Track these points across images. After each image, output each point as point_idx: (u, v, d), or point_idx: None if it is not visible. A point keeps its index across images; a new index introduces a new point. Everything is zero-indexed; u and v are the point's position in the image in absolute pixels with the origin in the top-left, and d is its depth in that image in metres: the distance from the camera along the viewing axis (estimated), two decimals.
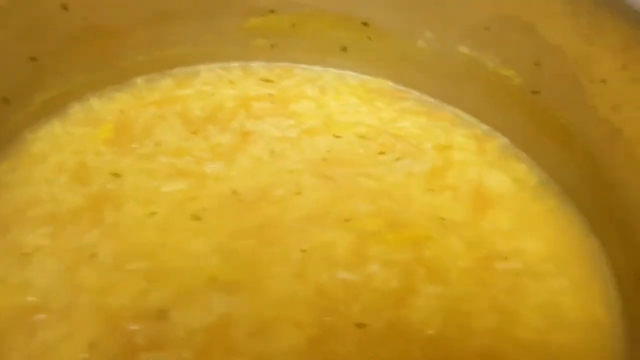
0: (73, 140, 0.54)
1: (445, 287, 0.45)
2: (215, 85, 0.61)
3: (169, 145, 0.54)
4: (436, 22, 0.56)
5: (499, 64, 0.54)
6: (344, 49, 0.63)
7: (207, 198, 0.49)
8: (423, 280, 0.45)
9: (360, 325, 0.43)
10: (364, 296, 0.44)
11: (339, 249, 0.47)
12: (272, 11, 0.60)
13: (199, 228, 0.47)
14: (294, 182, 0.52)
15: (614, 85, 0.45)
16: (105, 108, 0.58)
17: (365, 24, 0.60)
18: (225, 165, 0.52)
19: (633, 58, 0.43)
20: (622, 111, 0.44)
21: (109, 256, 0.46)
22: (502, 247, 0.48)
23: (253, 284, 0.44)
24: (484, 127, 0.59)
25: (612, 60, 0.44)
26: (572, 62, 0.47)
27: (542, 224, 0.50)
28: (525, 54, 0.51)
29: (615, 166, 0.46)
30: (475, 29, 0.53)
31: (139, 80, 0.61)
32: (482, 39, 0.53)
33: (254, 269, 0.45)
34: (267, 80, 0.63)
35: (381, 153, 0.56)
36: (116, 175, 0.51)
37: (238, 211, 0.49)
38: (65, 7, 0.53)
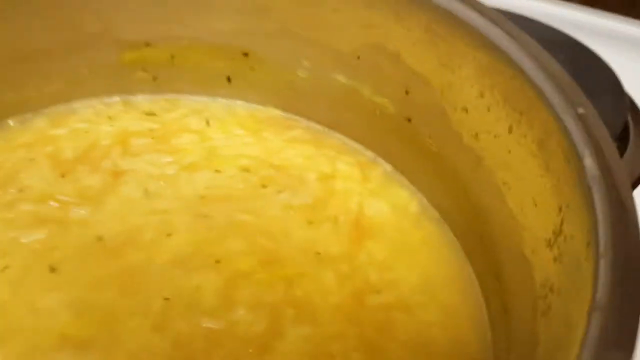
0: None
1: (314, 327, 0.43)
2: (93, 122, 0.59)
3: (34, 190, 0.51)
4: (312, 51, 0.55)
5: (373, 93, 0.53)
6: (228, 79, 0.62)
7: (67, 247, 0.46)
8: (291, 321, 0.43)
9: None
10: (226, 345, 0.42)
11: (205, 294, 0.44)
12: (147, 44, 0.59)
13: (55, 281, 0.44)
14: (166, 223, 0.49)
15: (474, 114, 0.44)
16: None
17: (245, 54, 0.59)
18: (92, 209, 0.49)
19: (487, 85, 0.43)
20: (481, 139, 0.44)
21: None
22: (376, 280, 0.46)
23: (107, 339, 0.41)
24: (369, 154, 0.58)
25: (470, 89, 0.44)
26: (437, 90, 0.47)
27: (418, 252, 0.49)
28: (395, 83, 0.50)
29: (480, 193, 0.46)
30: (348, 58, 0.53)
31: (11, 121, 0.58)
32: (355, 68, 0.53)
33: (110, 323, 0.42)
34: (151, 114, 0.61)
35: (263, 186, 0.54)
36: None
37: (100, 259, 0.46)
38: None
